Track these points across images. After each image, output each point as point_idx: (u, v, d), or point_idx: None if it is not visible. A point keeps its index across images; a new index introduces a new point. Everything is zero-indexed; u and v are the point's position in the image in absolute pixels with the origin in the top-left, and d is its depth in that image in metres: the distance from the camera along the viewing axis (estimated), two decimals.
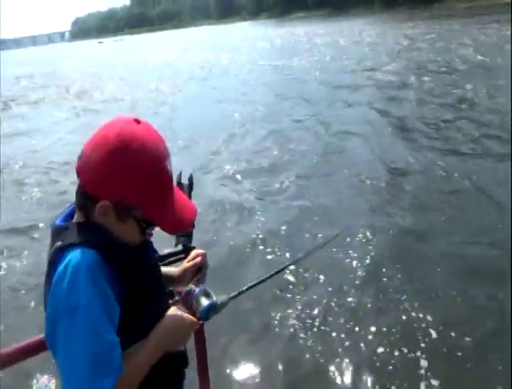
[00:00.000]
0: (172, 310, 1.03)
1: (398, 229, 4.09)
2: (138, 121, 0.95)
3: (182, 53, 28.71)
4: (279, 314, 2.94)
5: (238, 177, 5.93)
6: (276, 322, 2.88)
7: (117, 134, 0.91)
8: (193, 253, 1.27)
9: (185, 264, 1.25)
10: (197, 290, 1.07)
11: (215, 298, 1.07)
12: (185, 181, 1.33)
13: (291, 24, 52.43)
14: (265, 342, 2.71)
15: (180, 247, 1.32)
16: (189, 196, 1.28)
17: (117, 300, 0.92)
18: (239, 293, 1.17)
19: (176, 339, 1.03)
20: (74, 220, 0.99)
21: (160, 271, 1.13)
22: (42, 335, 1.00)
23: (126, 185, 0.92)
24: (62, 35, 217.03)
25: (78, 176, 0.96)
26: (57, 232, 0.98)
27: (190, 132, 8.31)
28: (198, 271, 1.23)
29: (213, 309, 1.06)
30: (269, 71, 16.36)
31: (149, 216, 0.96)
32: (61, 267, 0.89)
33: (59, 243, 0.93)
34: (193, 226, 1.27)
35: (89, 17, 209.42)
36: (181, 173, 1.32)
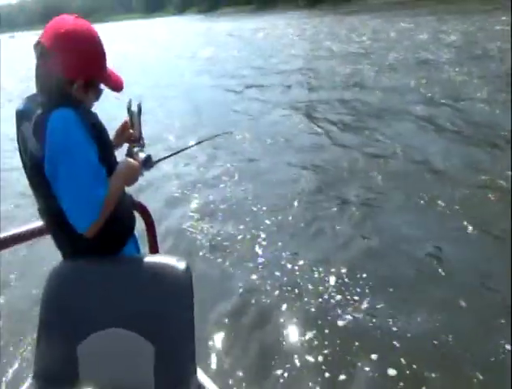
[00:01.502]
0: (126, 159, 1.50)
1: None
2: (77, 17, 1.33)
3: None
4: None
5: None
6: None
7: (79, 29, 1.30)
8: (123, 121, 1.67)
9: (114, 132, 1.64)
10: (135, 149, 1.61)
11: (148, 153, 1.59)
12: (134, 108, 1.65)
13: (217, 20, 54.81)
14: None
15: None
16: (139, 120, 1.64)
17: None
18: (164, 158, 1.80)
19: (130, 174, 1.47)
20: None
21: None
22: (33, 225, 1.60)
23: (94, 65, 1.36)
24: None
25: (47, 71, 1.29)
26: (24, 114, 1.31)
27: None
28: (130, 139, 1.66)
29: (149, 159, 1.57)
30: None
31: (104, 83, 1.41)
32: (52, 122, 1.23)
33: (39, 111, 1.26)
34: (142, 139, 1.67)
35: None
36: (130, 101, 1.65)
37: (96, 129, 1.33)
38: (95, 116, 1.37)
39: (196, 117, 8.67)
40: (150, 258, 1.45)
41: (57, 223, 1.38)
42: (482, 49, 12.99)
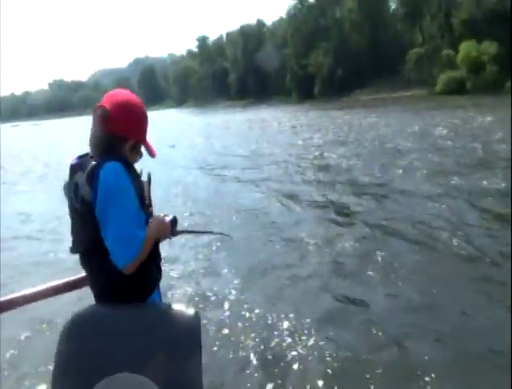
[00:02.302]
0: (159, 215, 1.78)
1: None
2: (131, 92, 1.74)
3: None
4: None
5: None
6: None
7: (134, 99, 1.67)
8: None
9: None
10: (162, 215, 1.80)
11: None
12: (144, 177, 1.85)
13: (212, 113, 58.20)
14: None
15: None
16: (149, 189, 1.80)
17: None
18: (186, 232, 2.06)
19: (161, 229, 1.71)
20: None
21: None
22: (64, 280, 1.84)
23: (142, 129, 1.69)
24: None
25: (105, 130, 1.59)
26: (78, 166, 1.59)
27: None
28: None
29: (176, 222, 1.80)
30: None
31: (145, 147, 1.71)
32: (104, 171, 1.50)
33: (94, 163, 1.54)
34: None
35: (0, 100, 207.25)
36: (141, 170, 1.80)
37: (136, 181, 1.61)
38: (136, 171, 1.67)
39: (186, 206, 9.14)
40: (163, 306, 1.63)
41: (96, 264, 1.60)
42: (453, 141, 13.90)
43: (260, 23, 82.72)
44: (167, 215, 1.79)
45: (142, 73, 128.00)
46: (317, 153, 14.29)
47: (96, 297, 1.67)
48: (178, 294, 4.79)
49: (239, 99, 78.08)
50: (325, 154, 13.97)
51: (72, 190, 1.58)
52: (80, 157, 1.65)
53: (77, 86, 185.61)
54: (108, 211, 1.49)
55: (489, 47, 39.55)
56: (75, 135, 30.37)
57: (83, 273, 1.77)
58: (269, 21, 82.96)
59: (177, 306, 1.56)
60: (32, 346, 4.02)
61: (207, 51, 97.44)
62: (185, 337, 1.48)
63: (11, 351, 3.92)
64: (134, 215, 1.53)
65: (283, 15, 74.70)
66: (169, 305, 1.60)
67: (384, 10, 58.21)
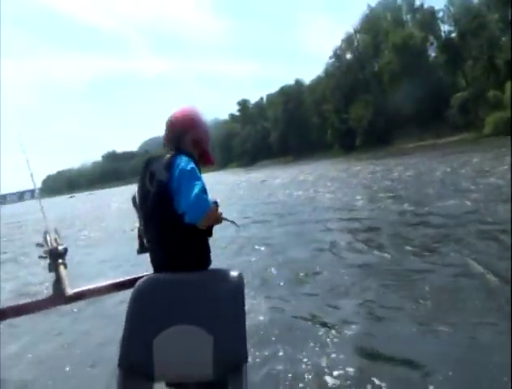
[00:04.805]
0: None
1: None
2: (194, 106, 2.34)
3: None
4: None
5: None
6: None
7: (192, 108, 2.30)
8: None
9: None
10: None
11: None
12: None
13: (254, 171, 58.60)
14: None
15: None
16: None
17: None
18: (226, 219, 2.25)
19: (216, 209, 2.03)
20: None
21: None
22: (116, 280, 2.25)
23: (197, 127, 2.23)
24: (32, 192, 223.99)
25: (170, 127, 2.22)
26: (152, 159, 2.18)
27: None
28: None
29: (216, 203, 2.05)
30: None
31: (205, 147, 2.27)
32: (179, 159, 2.04)
33: (169, 155, 2.08)
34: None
35: (60, 174, 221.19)
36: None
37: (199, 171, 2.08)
38: (199, 166, 2.13)
39: None
40: (211, 271, 2.02)
41: (166, 238, 2.04)
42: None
43: (299, 83, 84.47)
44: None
45: None
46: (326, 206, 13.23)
47: (156, 268, 2.09)
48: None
49: (281, 156, 78.93)
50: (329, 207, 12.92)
51: (147, 178, 2.11)
52: (151, 154, 2.30)
53: (128, 156, 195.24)
54: (183, 184, 1.95)
55: None
56: (120, 200, 31.67)
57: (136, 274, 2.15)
58: (307, 80, 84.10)
59: (223, 270, 1.92)
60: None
61: (249, 113, 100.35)
62: (232, 293, 1.81)
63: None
64: (202, 186, 1.95)
65: (321, 73, 76.13)
66: (217, 269, 1.99)
67: (423, 59, 57.78)
